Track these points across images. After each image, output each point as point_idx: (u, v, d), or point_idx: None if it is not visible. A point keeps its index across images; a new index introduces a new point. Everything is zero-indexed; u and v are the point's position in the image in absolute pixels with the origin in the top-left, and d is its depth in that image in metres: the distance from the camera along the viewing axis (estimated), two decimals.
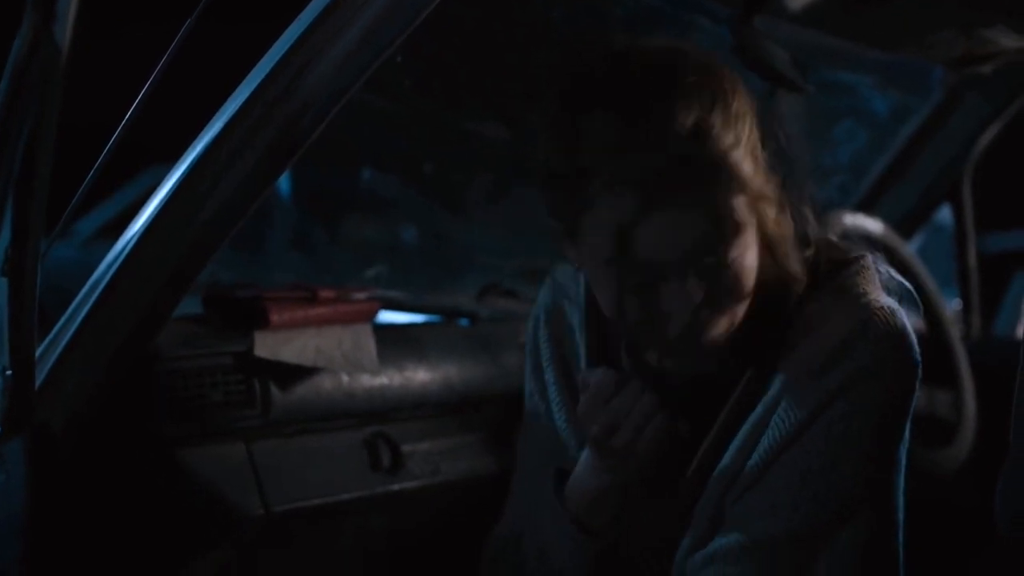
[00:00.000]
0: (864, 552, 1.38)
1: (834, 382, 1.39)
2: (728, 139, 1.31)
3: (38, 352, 1.57)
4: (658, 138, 1.28)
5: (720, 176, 1.30)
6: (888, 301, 1.43)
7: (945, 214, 3.17)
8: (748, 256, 1.35)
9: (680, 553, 1.48)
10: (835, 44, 2.52)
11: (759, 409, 1.43)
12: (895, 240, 2.64)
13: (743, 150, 1.33)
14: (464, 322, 2.44)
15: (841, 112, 3.15)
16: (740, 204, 1.31)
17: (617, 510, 1.50)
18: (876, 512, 1.40)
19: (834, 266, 1.47)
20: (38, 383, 1.56)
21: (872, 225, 2.59)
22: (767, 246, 1.38)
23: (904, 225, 2.99)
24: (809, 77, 2.43)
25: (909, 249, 2.72)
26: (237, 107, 1.59)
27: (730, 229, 1.32)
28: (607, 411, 1.40)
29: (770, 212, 1.37)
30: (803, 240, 1.45)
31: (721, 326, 1.38)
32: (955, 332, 2.66)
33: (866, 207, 2.98)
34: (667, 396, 1.45)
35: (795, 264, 1.41)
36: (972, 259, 3.11)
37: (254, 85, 1.59)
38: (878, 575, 1.40)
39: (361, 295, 2.07)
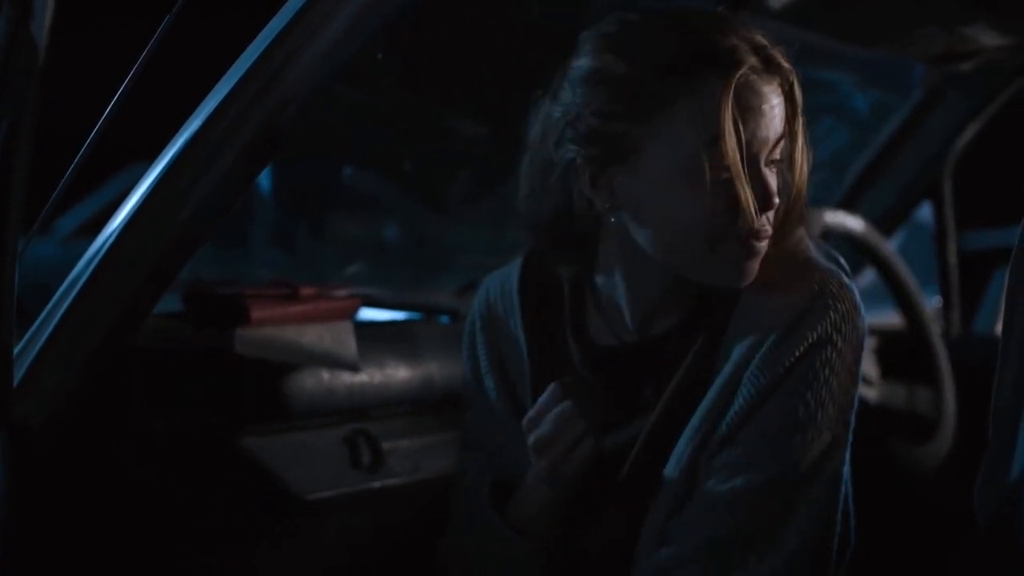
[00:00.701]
0: (833, 497, 1.48)
1: (801, 344, 1.45)
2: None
3: (17, 349, 1.56)
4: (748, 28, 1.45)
5: (794, 86, 1.45)
6: (833, 266, 1.51)
7: (925, 212, 3.18)
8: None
9: (655, 519, 1.49)
10: (817, 41, 2.52)
11: (728, 369, 1.48)
12: (876, 237, 2.65)
13: None
14: (445, 319, 2.44)
15: (822, 110, 3.16)
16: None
17: (557, 522, 1.56)
18: (837, 462, 1.49)
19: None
20: (17, 380, 1.55)
21: (853, 222, 2.60)
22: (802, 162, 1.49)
23: (885, 222, 3.00)
24: None
25: (890, 246, 2.73)
26: (217, 103, 1.58)
27: (799, 122, 1.45)
28: (539, 431, 1.51)
29: (803, 131, 1.48)
30: None
31: (763, 249, 1.45)
32: (935, 329, 2.67)
33: (847, 204, 2.99)
34: (620, 370, 1.55)
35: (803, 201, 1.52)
36: (952, 257, 3.12)
37: (234, 81, 1.59)
38: (838, 521, 1.50)
39: (342, 292, 2.07)
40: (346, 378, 2.00)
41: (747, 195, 1.40)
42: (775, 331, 1.46)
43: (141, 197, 1.60)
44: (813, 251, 1.53)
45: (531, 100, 1.58)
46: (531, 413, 1.52)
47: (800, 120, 1.45)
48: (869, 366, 2.49)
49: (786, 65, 1.44)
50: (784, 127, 1.44)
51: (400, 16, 1.58)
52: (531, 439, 1.51)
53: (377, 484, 1.99)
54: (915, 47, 2.59)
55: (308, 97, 1.61)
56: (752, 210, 1.40)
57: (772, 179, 1.44)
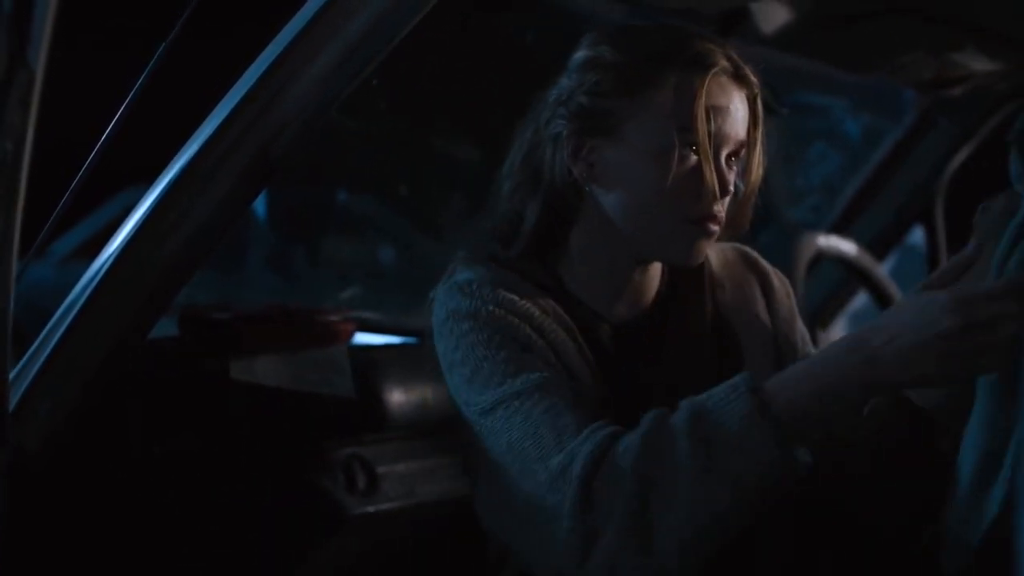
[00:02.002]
0: None
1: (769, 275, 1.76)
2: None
3: (12, 374, 1.57)
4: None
5: (757, 98, 1.62)
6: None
7: (918, 235, 3.20)
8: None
9: None
10: (808, 67, 2.54)
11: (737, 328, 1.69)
12: (868, 261, 2.67)
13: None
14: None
15: (814, 134, 3.18)
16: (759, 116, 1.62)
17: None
18: None
19: None
20: (12, 405, 1.56)
21: (846, 246, 2.61)
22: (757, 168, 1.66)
23: (877, 246, 3.01)
24: (782, 100, 2.46)
25: (882, 270, 2.74)
26: (213, 128, 1.60)
27: (758, 127, 1.62)
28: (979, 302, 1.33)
29: (761, 141, 1.64)
30: None
31: (715, 234, 1.60)
32: None
33: (840, 228, 3.00)
34: (626, 342, 1.63)
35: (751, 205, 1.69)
36: None
37: (230, 107, 1.60)
38: None
39: (336, 316, 2.08)
40: (341, 403, 2.01)
41: (712, 175, 1.55)
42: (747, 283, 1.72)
43: (137, 222, 1.61)
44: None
45: (525, 114, 1.67)
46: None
47: (759, 130, 1.62)
48: None
49: (753, 78, 1.61)
50: (746, 133, 1.61)
51: (393, 47, 1.60)
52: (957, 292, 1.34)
53: (372, 508, 1.99)
54: (906, 73, 2.60)
55: (304, 124, 1.62)
56: (715, 189, 1.55)
57: (729, 172, 1.60)
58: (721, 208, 1.59)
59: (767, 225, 3.26)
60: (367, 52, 1.59)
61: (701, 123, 1.55)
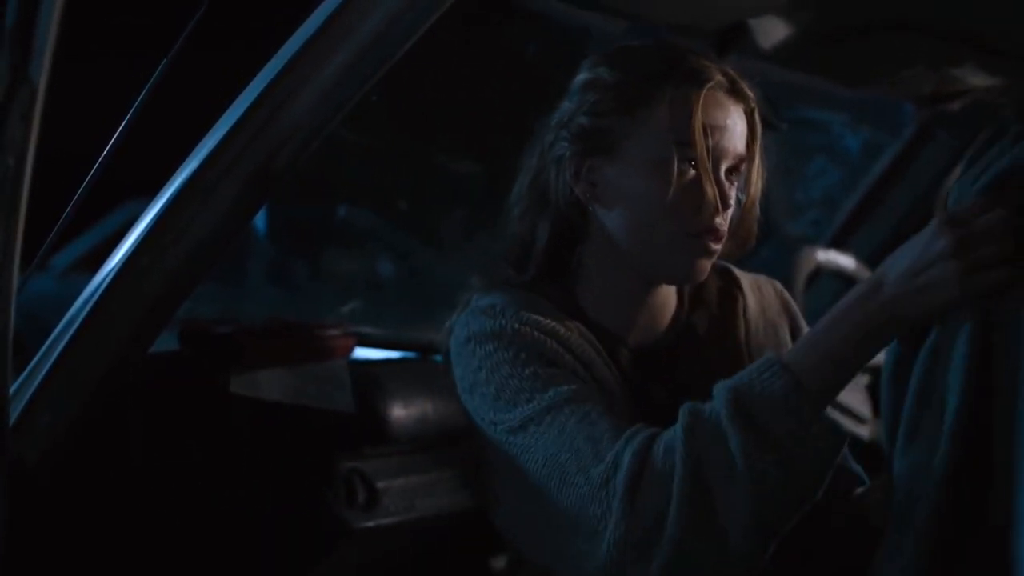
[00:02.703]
0: None
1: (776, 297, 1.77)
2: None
3: (13, 388, 1.57)
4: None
5: (754, 113, 1.63)
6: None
7: None
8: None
9: None
10: (807, 82, 2.55)
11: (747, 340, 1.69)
12: (867, 275, 2.67)
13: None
14: (439, 358, 2.45)
15: (814, 149, 3.18)
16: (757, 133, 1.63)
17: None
18: None
19: None
20: (13, 419, 1.56)
21: (844, 261, 2.62)
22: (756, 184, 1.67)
23: (876, 260, 3.00)
24: (782, 114, 2.46)
25: None
26: (215, 143, 1.60)
27: (756, 142, 1.62)
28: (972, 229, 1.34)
29: (760, 157, 1.65)
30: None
31: (716, 251, 1.60)
32: None
33: (839, 242, 3.00)
34: (634, 372, 1.61)
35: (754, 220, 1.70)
36: None
37: (232, 121, 1.60)
38: None
39: (337, 331, 2.08)
40: (341, 417, 2.01)
41: (712, 189, 1.56)
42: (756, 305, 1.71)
43: (139, 235, 1.61)
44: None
45: (524, 138, 1.68)
46: (957, 211, 1.36)
47: (757, 144, 1.63)
48: (861, 404, 2.50)
49: (749, 93, 1.62)
50: (744, 147, 1.61)
51: (395, 62, 1.60)
52: (947, 234, 1.35)
53: (372, 523, 1.99)
54: (904, 88, 2.61)
55: (306, 137, 1.62)
56: (715, 202, 1.56)
57: (730, 187, 1.60)
58: (722, 222, 1.59)
59: (767, 239, 3.26)
60: (367, 69, 1.60)
61: (699, 137, 1.55)
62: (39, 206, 1.43)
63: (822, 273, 2.56)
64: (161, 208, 1.61)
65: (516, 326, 1.55)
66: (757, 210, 1.67)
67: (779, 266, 2.64)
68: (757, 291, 1.75)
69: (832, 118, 3.13)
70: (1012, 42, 2.38)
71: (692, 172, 1.57)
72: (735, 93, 1.60)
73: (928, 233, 1.37)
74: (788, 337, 1.73)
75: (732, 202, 1.60)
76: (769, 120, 2.17)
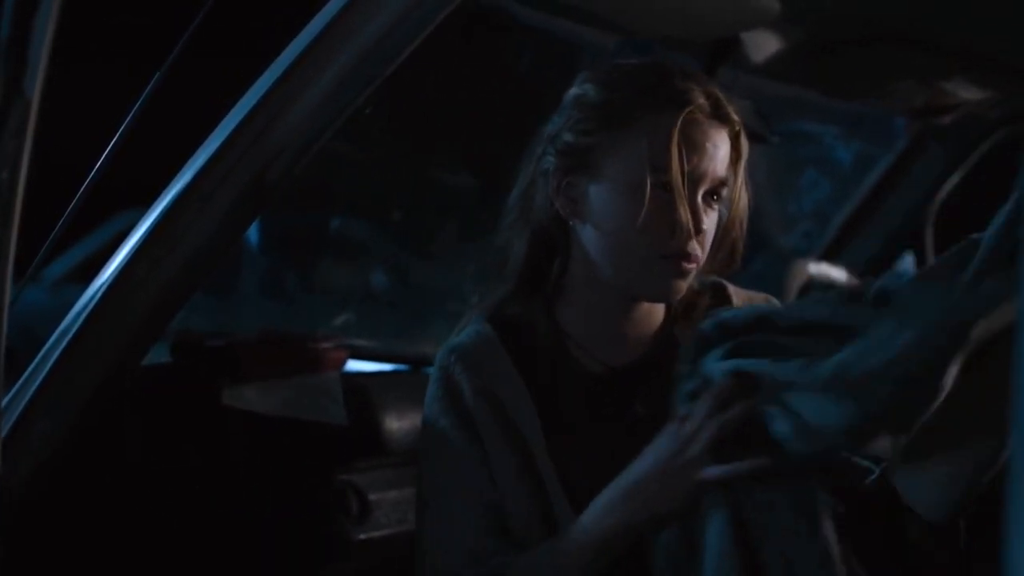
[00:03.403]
0: None
1: None
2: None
3: (5, 401, 1.57)
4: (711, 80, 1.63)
5: (740, 135, 1.62)
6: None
7: (908, 261, 3.21)
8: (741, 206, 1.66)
9: None
10: (799, 95, 2.56)
11: None
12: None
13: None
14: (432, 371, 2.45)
15: (806, 161, 3.19)
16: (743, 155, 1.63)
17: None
18: None
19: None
20: (5, 432, 1.55)
21: (836, 273, 2.62)
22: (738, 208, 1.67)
23: (867, 273, 3.02)
24: (773, 127, 2.47)
25: None
26: (210, 153, 1.60)
27: (740, 165, 1.62)
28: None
29: (744, 179, 1.65)
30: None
31: (691, 273, 1.61)
32: None
33: (830, 255, 3.01)
34: (611, 392, 1.64)
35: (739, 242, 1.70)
36: None
37: (227, 132, 1.60)
38: None
39: (330, 343, 2.08)
40: (334, 430, 2.01)
41: (685, 213, 1.57)
42: None
43: (132, 248, 1.61)
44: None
45: (517, 150, 1.69)
46: (718, 391, 1.50)
47: (742, 165, 1.63)
48: None
49: (735, 116, 1.62)
50: (728, 169, 1.61)
51: (389, 74, 1.61)
52: (709, 420, 1.49)
53: (364, 535, 1.99)
54: (896, 100, 2.62)
55: (299, 150, 1.63)
56: (688, 228, 1.57)
57: (705, 211, 1.60)
58: (696, 246, 1.59)
59: (759, 251, 3.27)
60: (363, 79, 1.61)
61: (674, 161, 1.56)
62: (32, 216, 1.43)
63: (814, 286, 2.57)
64: (156, 218, 1.61)
65: (456, 377, 1.66)
66: (741, 229, 1.67)
67: (771, 278, 2.65)
68: None
69: (824, 130, 3.14)
70: (1003, 55, 2.39)
71: (667, 195, 1.57)
72: (719, 116, 1.60)
73: (665, 435, 1.51)
74: None
75: (706, 227, 1.60)
76: (758, 135, 2.18)
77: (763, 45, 2.19)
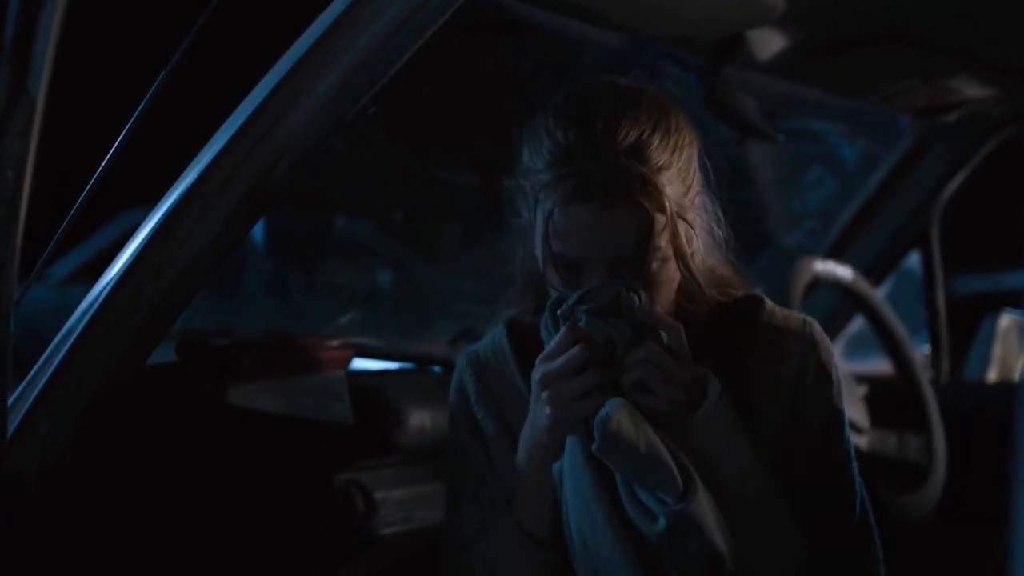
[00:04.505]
0: None
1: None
2: (660, 160, 1.55)
3: (11, 399, 1.57)
4: (602, 149, 1.54)
5: (647, 188, 1.53)
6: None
7: (914, 259, 3.21)
8: (668, 266, 1.58)
9: None
10: (803, 93, 2.56)
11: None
12: (864, 286, 2.67)
13: (673, 173, 1.57)
14: (437, 369, 2.45)
15: (810, 159, 3.19)
16: (660, 219, 1.54)
17: (550, 508, 1.60)
18: None
19: (743, 295, 1.71)
20: (11, 431, 1.56)
21: (842, 271, 2.62)
22: (679, 259, 1.59)
23: (874, 271, 3.02)
24: (778, 126, 2.47)
25: (878, 295, 2.75)
26: (214, 154, 1.60)
27: (649, 237, 1.54)
28: (549, 366, 1.55)
29: (682, 231, 1.57)
30: (712, 267, 1.68)
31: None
32: (925, 377, 2.69)
33: (836, 253, 3.01)
34: None
35: (700, 285, 1.64)
36: (941, 304, 3.14)
37: (231, 132, 1.61)
38: None
39: (334, 343, 2.08)
40: (339, 429, 2.01)
41: (564, 286, 1.57)
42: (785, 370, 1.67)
43: (137, 248, 1.62)
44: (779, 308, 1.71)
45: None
46: (548, 349, 1.55)
47: (657, 236, 1.54)
48: (859, 414, 2.50)
49: (641, 188, 1.53)
50: (629, 244, 1.54)
51: (392, 75, 1.61)
52: (538, 372, 1.55)
53: (370, 534, 1.99)
54: (900, 99, 2.62)
55: (304, 150, 1.63)
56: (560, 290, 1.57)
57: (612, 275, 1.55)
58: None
59: (764, 250, 3.27)
60: (365, 81, 1.61)
61: (545, 244, 1.55)
62: (37, 216, 1.43)
63: (819, 283, 2.57)
64: (160, 219, 1.61)
65: (465, 381, 1.72)
66: (694, 277, 1.61)
67: (776, 276, 2.65)
68: (776, 346, 1.67)
69: (829, 129, 3.14)
70: (1007, 54, 2.39)
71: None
72: (617, 195, 1.52)
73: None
74: (789, 399, 1.67)
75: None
76: (766, 131, 2.18)
77: (768, 43, 2.18)
